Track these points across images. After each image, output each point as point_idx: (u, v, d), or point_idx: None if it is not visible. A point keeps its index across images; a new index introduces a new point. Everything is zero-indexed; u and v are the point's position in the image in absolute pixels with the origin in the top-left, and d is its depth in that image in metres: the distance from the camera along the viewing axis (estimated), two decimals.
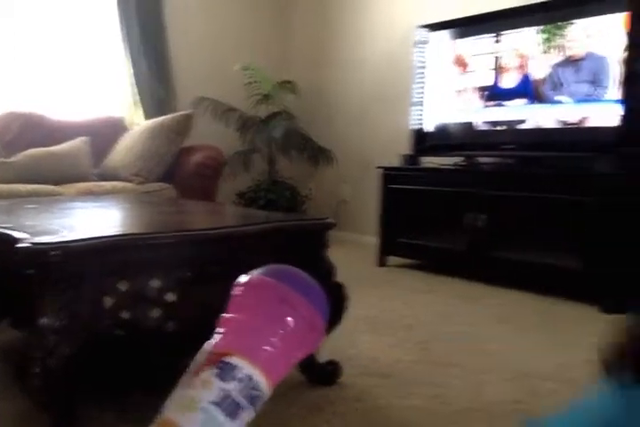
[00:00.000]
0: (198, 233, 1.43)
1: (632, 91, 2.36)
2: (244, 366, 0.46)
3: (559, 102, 2.60)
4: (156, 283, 1.21)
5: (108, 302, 1.15)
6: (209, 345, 0.50)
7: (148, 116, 3.86)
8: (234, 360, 0.46)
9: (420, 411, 1.38)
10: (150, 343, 1.24)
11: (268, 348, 0.47)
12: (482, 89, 2.90)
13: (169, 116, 3.56)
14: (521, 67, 2.74)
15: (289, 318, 0.48)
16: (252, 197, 3.91)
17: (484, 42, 2.88)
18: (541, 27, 2.65)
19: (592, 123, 2.50)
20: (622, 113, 2.37)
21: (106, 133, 3.62)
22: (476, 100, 2.93)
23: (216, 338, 0.50)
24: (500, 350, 1.82)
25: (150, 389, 1.46)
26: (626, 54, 2.35)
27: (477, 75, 2.92)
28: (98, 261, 1.14)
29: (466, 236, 2.78)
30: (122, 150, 3.49)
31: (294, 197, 3.99)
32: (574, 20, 2.53)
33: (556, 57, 2.61)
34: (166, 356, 1.39)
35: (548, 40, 2.64)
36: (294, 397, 1.42)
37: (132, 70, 3.87)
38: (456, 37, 3.01)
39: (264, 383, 0.47)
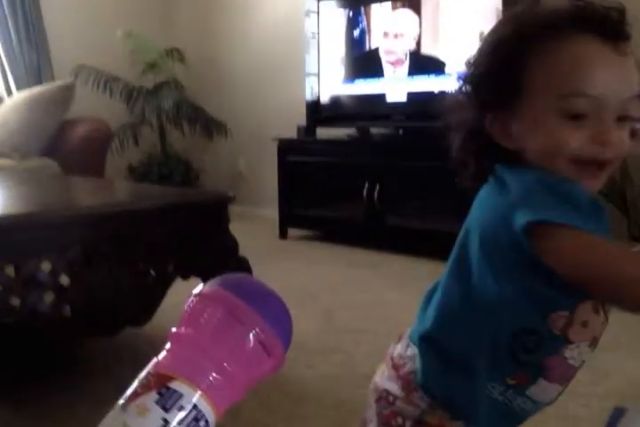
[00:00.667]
0: (88, 210, 1.35)
1: None
2: (189, 394, 0.39)
3: (450, 74, 2.68)
4: (47, 265, 1.13)
5: None
6: (151, 363, 0.43)
7: (19, 85, 3.55)
8: (178, 386, 0.39)
9: (327, 378, 1.40)
10: (44, 330, 1.16)
11: (215, 372, 0.41)
12: (373, 59, 2.92)
13: (47, 87, 3.30)
14: (412, 37, 2.78)
15: (243, 341, 0.42)
16: (144, 172, 3.75)
17: (374, 11, 2.89)
18: None
19: None
20: None
21: None
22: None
23: (160, 356, 0.43)
24: (400, 314, 1.88)
25: (46, 381, 1.38)
26: None
27: (370, 44, 2.93)
28: None
29: (361, 205, 2.82)
30: None
31: (188, 170, 3.87)
32: None
33: None
34: (61, 343, 1.31)
35: None
36: None
37: None
38: (347, 7, 3.00)
39: (210, 413, 0.40)
